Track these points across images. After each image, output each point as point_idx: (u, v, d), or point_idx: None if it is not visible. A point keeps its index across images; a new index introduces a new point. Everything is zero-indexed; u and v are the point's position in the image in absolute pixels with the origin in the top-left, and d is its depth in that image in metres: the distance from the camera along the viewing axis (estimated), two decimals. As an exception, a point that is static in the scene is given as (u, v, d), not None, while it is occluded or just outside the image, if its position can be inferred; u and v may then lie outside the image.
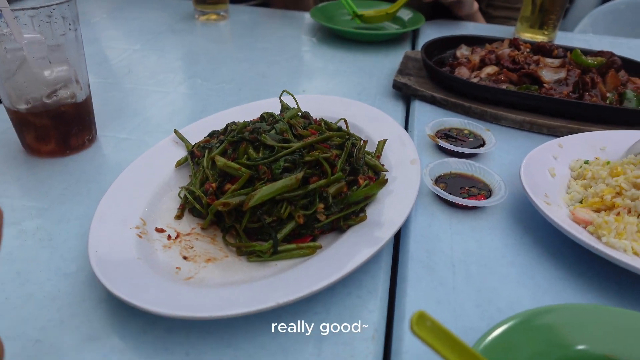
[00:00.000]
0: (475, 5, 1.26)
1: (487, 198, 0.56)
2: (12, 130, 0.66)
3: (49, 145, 0.65)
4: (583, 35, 1.30)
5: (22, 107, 0.61)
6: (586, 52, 0.85)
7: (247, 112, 0.69)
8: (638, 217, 0.51)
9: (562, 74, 0.77)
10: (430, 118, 0.73)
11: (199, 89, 0.87)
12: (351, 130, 0.64)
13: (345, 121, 0.65)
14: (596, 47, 1.00)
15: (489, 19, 1.35)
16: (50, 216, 0.55)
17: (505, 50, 0.84)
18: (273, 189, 0.49)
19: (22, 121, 0.63)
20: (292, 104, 0.67)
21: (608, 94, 0.76)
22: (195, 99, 0.84)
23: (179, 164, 0.61)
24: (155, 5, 1.32)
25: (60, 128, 0.64)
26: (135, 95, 0.84)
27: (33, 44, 0.58)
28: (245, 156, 0.53)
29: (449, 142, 0.67)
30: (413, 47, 1.11)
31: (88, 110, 0.67)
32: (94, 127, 0.70)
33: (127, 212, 0.52)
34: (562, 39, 1.16)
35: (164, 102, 0.82)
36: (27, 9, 0.57)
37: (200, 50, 1.04)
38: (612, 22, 1.54)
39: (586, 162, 0.61)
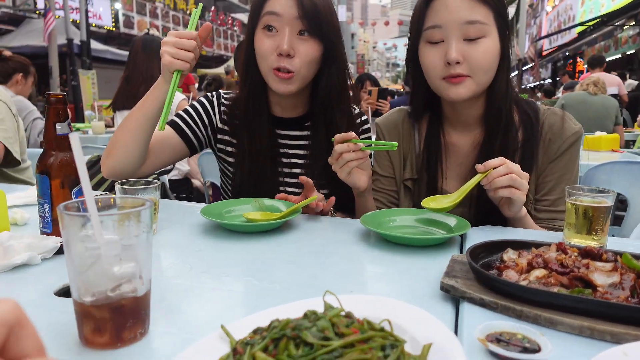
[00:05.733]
0: (524, 210, 1.29)
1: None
2: (73, 323, 0.70)
3: (103, 337, 0.68)
4: (637, 242, 1.28)
5: (88, 299, 0.67)
6: (638, 257, 0.84)
7: (295, 309, 0.71)
8: None
9: (616, 278, 0.75)
10: (480, 321, 0.71)
11: (252, 288, 0.91)
12: (395, 332, 0.63)
13: (390, 322, 0.64)
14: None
15: (535, 220, 1.36)
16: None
17: (552, 254, 0.85)
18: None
19: (84, 313, 0.68)
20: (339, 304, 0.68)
21: (672, 299, 0.72)
22: (247, 297, 0.88)
23: (222, 361, 0.61)
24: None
25: (117, 320, 0.68)
26: (191, 291, 0.89)
27: (109, 244, 0.66)
28: (286, 352, 0.53)
29: (500, 346, 0.64)
30: (461, 251, 1.13)
31: (145, 304, 0.71)
32: (148, 320, 0.73)
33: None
34: (615, 244, 1.15)
35: (217, 300, 0.86)
36: (112, 214, 0.66)
37: (256, 252, 1.12)
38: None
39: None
